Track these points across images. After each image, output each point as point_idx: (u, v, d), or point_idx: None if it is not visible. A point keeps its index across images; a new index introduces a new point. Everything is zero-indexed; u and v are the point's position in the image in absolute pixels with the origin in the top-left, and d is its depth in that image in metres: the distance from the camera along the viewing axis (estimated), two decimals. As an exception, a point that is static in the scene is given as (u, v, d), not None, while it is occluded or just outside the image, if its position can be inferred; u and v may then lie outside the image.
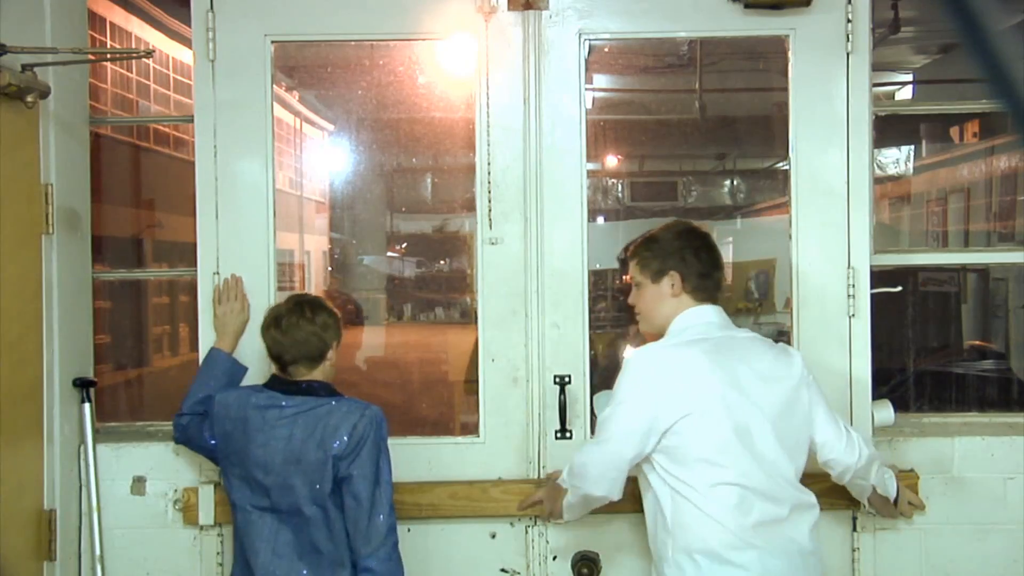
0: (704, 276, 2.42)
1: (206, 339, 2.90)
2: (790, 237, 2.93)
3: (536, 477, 2.90)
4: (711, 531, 2.27)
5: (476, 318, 2.96)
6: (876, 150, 3.23)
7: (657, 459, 2.33)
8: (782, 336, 3.38)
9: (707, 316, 2.42)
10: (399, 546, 2.51)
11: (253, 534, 2.54)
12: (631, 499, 2.50)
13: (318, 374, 2.59)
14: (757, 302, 4.27)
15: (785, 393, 2.37)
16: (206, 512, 2.89)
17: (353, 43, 3.24)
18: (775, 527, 2.30)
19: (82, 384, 2.93)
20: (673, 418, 2.28)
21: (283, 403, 2.54)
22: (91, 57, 3.37)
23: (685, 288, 2.42)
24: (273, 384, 2.60)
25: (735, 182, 6.03)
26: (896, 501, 2.65)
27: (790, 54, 2.91)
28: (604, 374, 3.26)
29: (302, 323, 2.56)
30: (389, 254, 5.54)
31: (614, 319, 4.57)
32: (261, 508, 2.55)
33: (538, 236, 2.91)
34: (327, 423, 2.49)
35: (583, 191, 2.92)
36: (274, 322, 2.59)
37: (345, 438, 2.47)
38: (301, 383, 2.56)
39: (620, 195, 5.74)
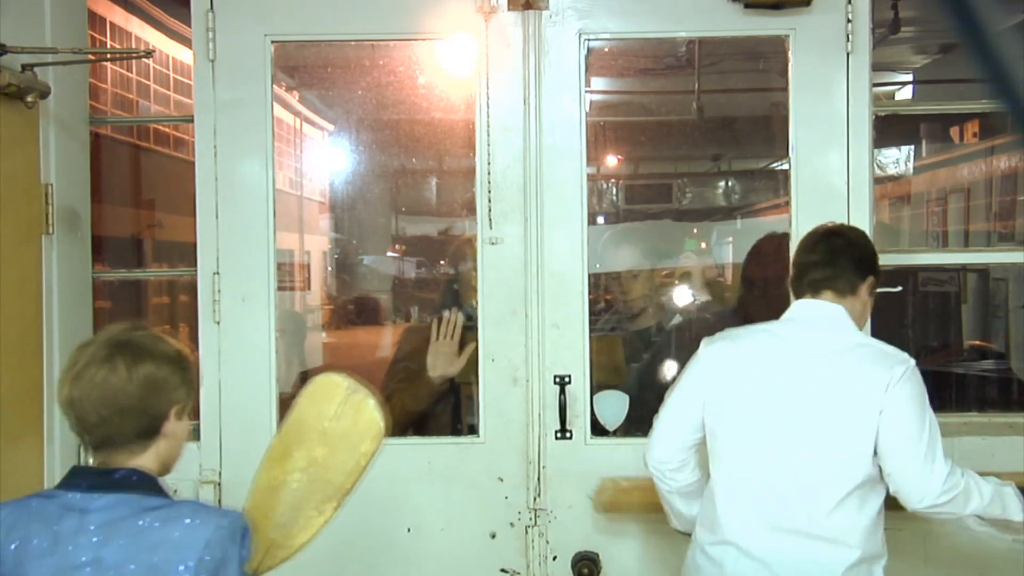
0: (800, 273, 2.40)
1: (206, 339, 2.91)
2: (790, 237, 2.93)
3: (536, 477, 2.90)
4: (701, 524, 2.33)
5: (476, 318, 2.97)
6: (876, 150, 3.23)
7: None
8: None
9: (789, 311, 2.39)
10: None
11: None
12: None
13: (147, 459, 1.68)
14: None
15: (839, 406, 2.22)
16: (206, 512, 2.89)
17: (353, 43, 3.24)
18: (784, 538, 2.21)
19: (82, 384, 2.92)
20: (708, 403, 2.33)
21: (87, 507, 1.61)
22: (91, 57, 3.37)
23: (793, 286, 2.43)
24: (73, 477, 1.68)
25: (730, 183, 6.03)
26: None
27: (790, 54, 2.90)
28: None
29: (112, 381, 1.63)
30: (389, 254, 5.54)
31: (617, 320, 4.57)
32: None
33: (538, 237, 2.91)
34: (161, 540, 1.58)
35: (583, 192, 2.92)
36: (72, 377, 1.66)
37: (191, 564, 1.58)
38: (114, 473, 1.64)
39: (615, 197, 5.74)
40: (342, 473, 1.91)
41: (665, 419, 2.39)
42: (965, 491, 2.23)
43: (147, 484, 1.66)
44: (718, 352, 2.36)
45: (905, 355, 2.27)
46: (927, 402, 2.24)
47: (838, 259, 2.36)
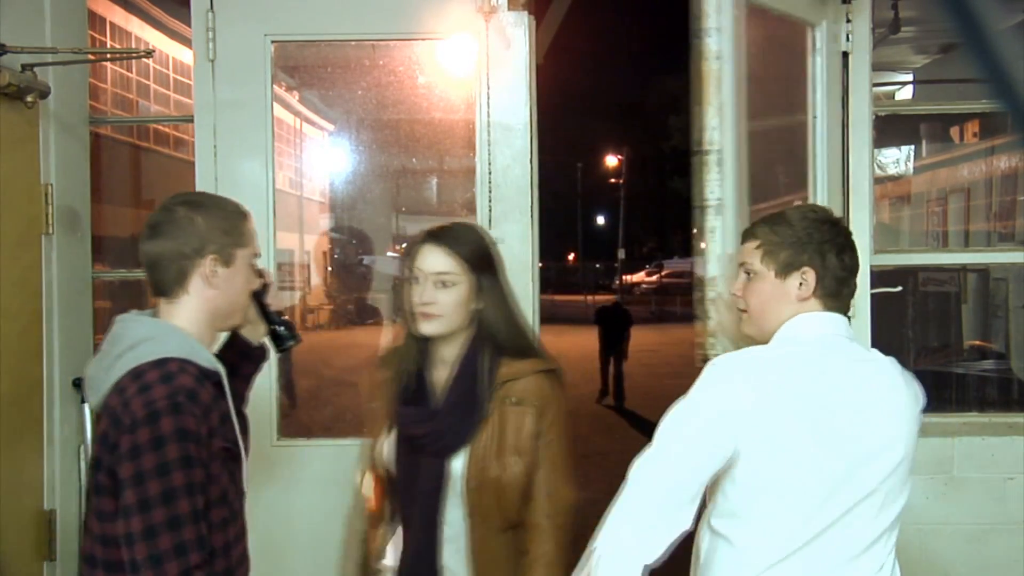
0: (842, 282, 1.83)
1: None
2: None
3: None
4: None
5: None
6: (876, 150, 3.22)
7: (715, 495, 1.79)
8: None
9: (826, 325, 1.81)
10: None
11: None
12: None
13: None
14: None
15: (901, 446, 1.77)
16: (206, 512, 2.89)
17: (353, 43, 3.24)
18: None
19: (82, 384, 2.93)
20: (734, 448, 1.71)
21: None
22: (91, 57, 3.37)
23: (817, 292, 1.82)
24: None
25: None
26: None
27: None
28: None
29: None
30: (389, 254, 5.55)
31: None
32: None
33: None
34: None
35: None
36: None
37: None
38: None
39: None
40: None
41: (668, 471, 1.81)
42: None
43: None
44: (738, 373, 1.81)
45: None
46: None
47: None
